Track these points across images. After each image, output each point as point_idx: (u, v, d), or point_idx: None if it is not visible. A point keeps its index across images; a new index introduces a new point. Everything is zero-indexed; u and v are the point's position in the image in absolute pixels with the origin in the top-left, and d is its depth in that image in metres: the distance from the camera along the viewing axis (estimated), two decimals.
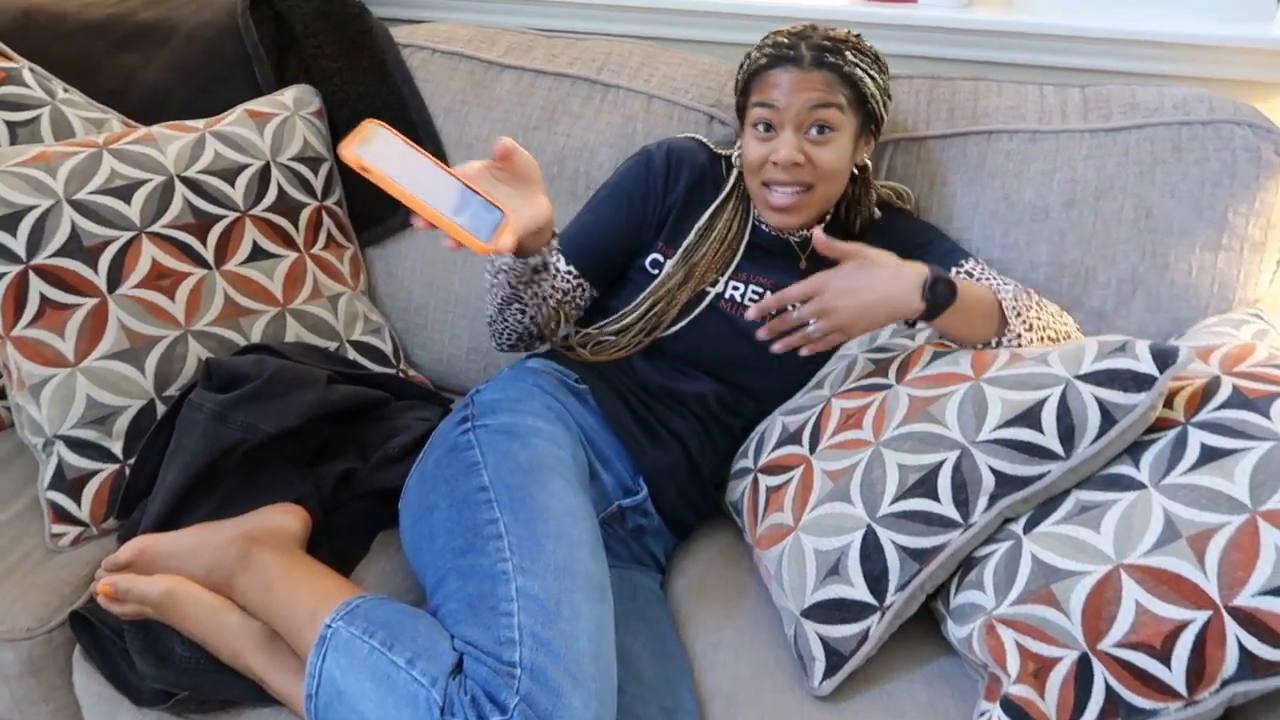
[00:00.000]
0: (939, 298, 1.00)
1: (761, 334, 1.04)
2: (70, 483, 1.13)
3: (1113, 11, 1.40)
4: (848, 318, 1.00)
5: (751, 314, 1.02)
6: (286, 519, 1.08)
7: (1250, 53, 1.36)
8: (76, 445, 1.13)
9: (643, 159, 1.22)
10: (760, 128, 1.13)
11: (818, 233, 1.00)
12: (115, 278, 1.16)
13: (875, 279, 1.00)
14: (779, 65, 1.12)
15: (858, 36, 1.15)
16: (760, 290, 1.19)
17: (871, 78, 1.14)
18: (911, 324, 1.12)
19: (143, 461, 1.15)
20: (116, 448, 1.15)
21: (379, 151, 0.82)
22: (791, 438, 1.11)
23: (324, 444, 1.19)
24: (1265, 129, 1.22)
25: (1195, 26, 1.36)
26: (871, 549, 0.96)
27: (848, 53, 1.11)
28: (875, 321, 1.01)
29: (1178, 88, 1.28)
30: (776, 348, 1.03)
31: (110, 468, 1.15)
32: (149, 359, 1.17)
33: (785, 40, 1.13)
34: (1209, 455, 0.89)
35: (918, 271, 1.00)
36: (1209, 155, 1.21)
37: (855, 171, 1.20)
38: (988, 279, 1.18)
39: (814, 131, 1.11)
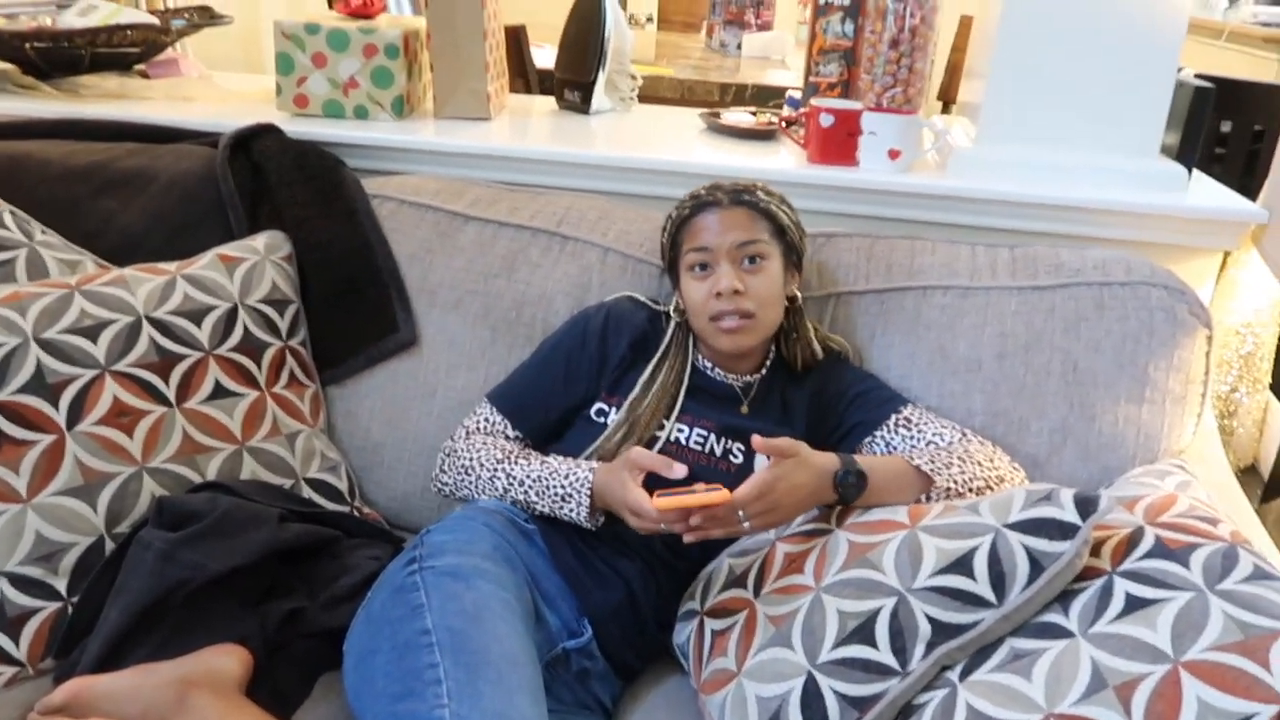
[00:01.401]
0: (849, 489, 1.08)
1: (690, 539, 1.05)
2: (10, 620, 1.12)
3: (1038, 179, 1.51)
4: (786, 514, 1.06)
5: (692, 527, 1.04)
6: (227, 660, 1.07)
7: (1164, 219, 1.46)
8: (20, 582, 1.13)
9: (581, 322, 1.30)
10: (697, 269, 1.23)
11: (755, 438, 1.04)
12: (75, 414, 1.18)
13: (809, 474, 1.06)
14: (702, 211, 1.24)
15: (764, 183, 1.28)
16: (705, 433, 1.23)
17: (784, 212, 1.26)
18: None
19: (87, 599, 1.14)
20: (61, 585, 1.15)
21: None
22: (737, 580, 1.13)
23: (273, 582, 1.19)
24: (1179, 290, 1.30)
25: (1114, 194, 1.47)
26: (812, 696, 0.96)
27: (759, 193, 1.25)
28: (800, 514, 1.10)
29: (1098, 250, 1.37)
30: (689, 539, 1.05)
31: (53, 606, 1.14)
32: (102, 495, 1.18)
33: (702, 192, 1.27)
34: (1133, 605, 0.91)
35: (830, 463, 1.07)
36: (1129, 314, 1.29)
37: (788, 303, 1.27)
38: (925, 425, 1.23)
39: (746, 263, 1.22)
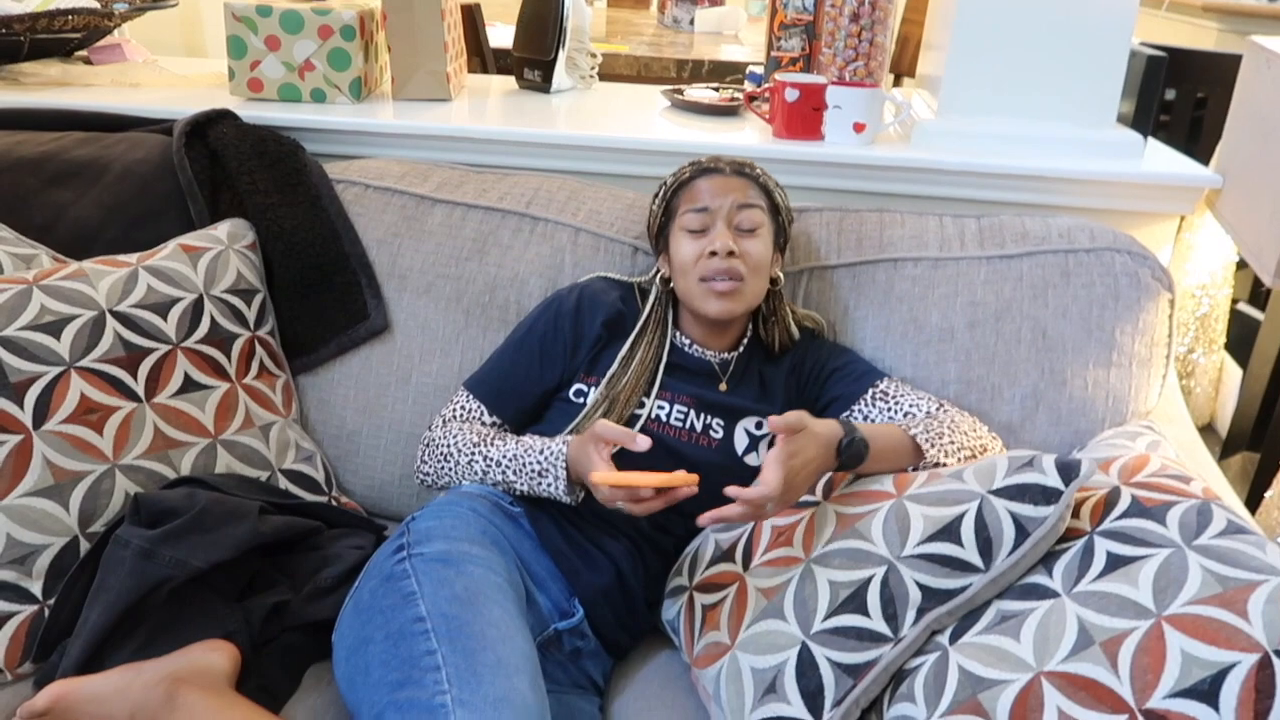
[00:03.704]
0: (852, 457, 1.08)
1: (705, 520, 1.01)
2: None
3: (999, 149, 1.53)
4: (801, 490, 1.05)
5: (722, 516, 1.01)
6: (215, 656, 1.05)
7: (1123, 186, 1.49)
8: None
9: (554, 304, 1.29)
10: (692, 230, 1.23)
11: (772, 418, 1.03)
12: (42, 413, 1.15)
13: (817, 445, 1.05)
14: (704, 175, 1.26)
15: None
16: (685, 409, 1.23)
17: (779, 194, 1.28)
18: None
19: (64, 601, 1.11)
20: (36, 588, 1.12)
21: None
22: (725, 555, 1.14)
23: (255, 576, 1.17)
24: (1142, 255, 1.34)
25: (1074, 163, 1.50)
26: (807, 666, 0.98)
27: (759, 169, 1.27)
28: (809, 487, 1.08)
29: (1062, 218, 1.40)
30: (706, 520, 1.01)
31: (29, 609, 1.11)
32: (74, 495, 1.15)
33: (703, 160, 1.28)
34: (1115, 563, 0.94)
35: (833, 431, 1.07)
36: (1094, 280, 1.32)
37: (770, 284, 1.28)
38: (902, 396, 1.25)
39: (742, 228, 1.23)
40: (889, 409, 1.24)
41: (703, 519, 1.01)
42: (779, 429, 1.03)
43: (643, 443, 1.04)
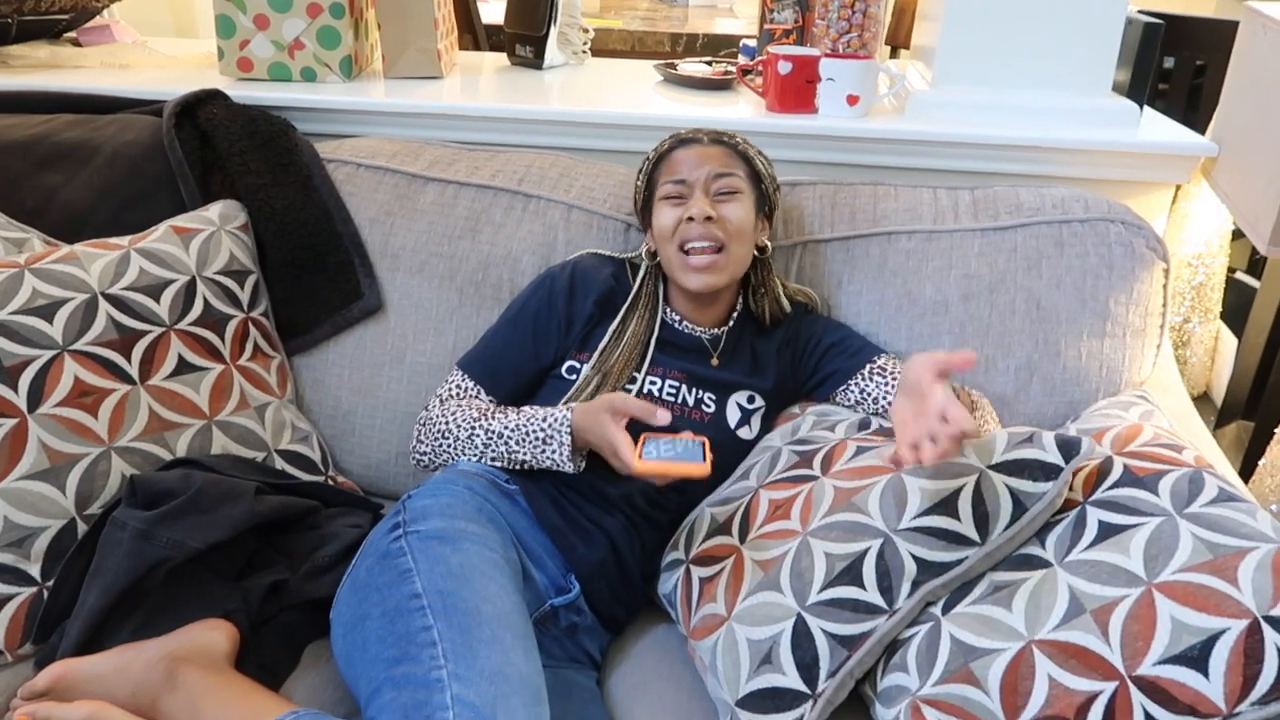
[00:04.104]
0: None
1: (903, 457, 0.93)
2: None
3: (994, 120, 1.52)
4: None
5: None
6: (213, 635, 1.06)
7: (1119, 155, 1.49)
8: None
9: (546, 281, 1.29)
10: (672, 200, 1.24)
11: (953, 355, 0.95)
12: (36, 397, 1.15)
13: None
14: (681, 146, 1.26)
15: (743, 136, 1.30)
16: (677, 384, 1.23)
17: (761, 161, 1.28)
18: None
19: (62, 583, 1.12)
20: (34, 570, 1.13)
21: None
22: (721, 528, 1.14)
23: (252, 555, 1.18)
24: (1136, 225, 1.33)
25: (1070, 132, 1.49)
26: (802, 637, 0.99)
27: (738, 137, 1.28)
28: None
29: (1056, 188, 1.39)
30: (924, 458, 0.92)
31: (27, 591, 1.12)
32: (70, 477, 1.15)
33: (683, 131, 1.29)
34: (1106, 532, 0.95)
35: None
36: (1088, 250, 1.31)
37: (757, 254, 1.27)
38: (891, 377, 1.25)
39: (720, 194, 1.23)
40: (886, 383, 1.25)
41: (902, 456, 0.92)
42: (958, 365, 0.95)
43: (663, 417, 1.06)
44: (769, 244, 1.30)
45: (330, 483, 1.38)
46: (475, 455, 1.20)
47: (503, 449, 1.18)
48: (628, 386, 1.22)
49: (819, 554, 1.01)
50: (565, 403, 1.22)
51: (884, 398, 1.24)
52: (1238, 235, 1.63)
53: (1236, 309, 1.83)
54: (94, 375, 1.19)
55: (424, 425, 1.26)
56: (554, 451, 1.14)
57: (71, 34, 1.90)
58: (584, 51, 1.97)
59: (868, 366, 1.26)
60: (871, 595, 0.98)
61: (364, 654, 0.98)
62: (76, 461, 1.16)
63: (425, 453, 1.25)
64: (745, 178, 1.25)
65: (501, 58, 2.00)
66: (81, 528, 1.16)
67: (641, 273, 1.29)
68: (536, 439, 1.15)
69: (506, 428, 1.18)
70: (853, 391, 1.26)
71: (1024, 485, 0.97)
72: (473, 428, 1.20)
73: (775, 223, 1.39)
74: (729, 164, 1.24)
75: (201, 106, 1.51)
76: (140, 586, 1.07)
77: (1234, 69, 1.61)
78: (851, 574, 0.99)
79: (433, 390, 1.40)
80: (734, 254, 1.23)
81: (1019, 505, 0.97)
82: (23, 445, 1.13)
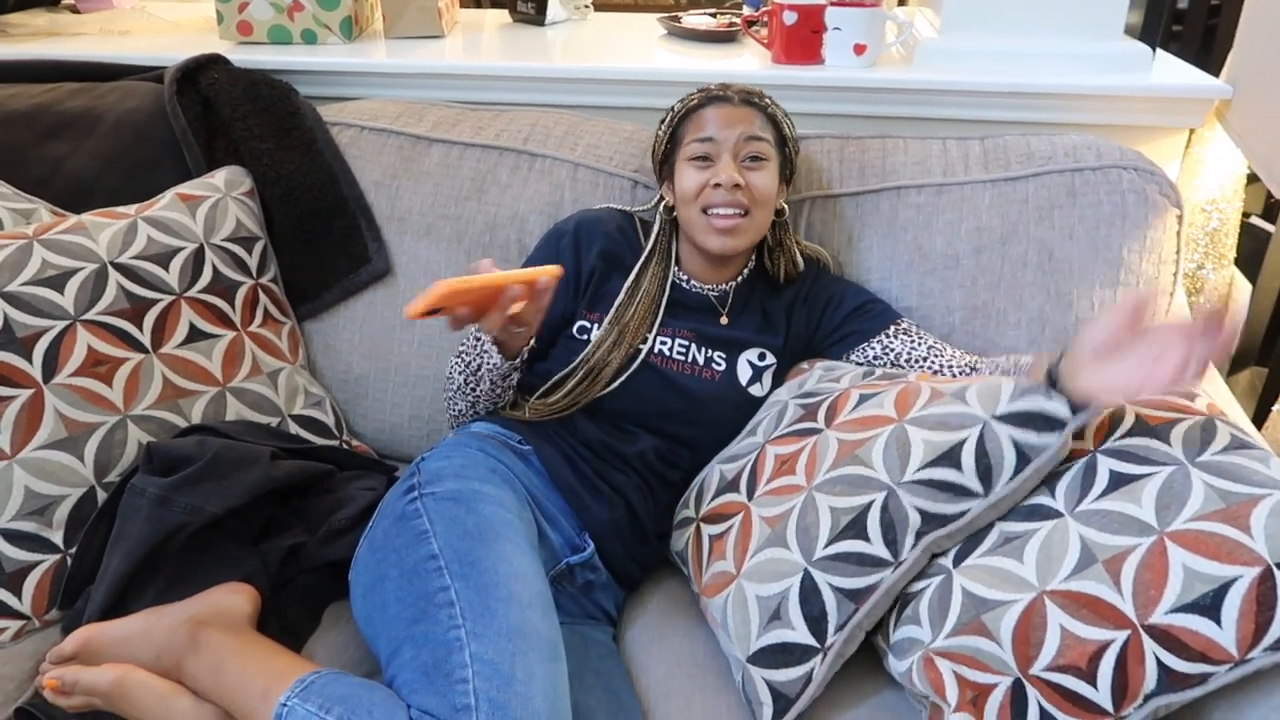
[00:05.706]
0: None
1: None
2: (10, 575, 1.12)
3: (1004, 67, 1.50)
4: None
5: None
6: (235, 598, 1.08)
7: (1131, 100, 1.46)
8: (15, 538, 1.12)
9: (553, 239, 1.29)
10: (698, 160, 1.22)
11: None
12: (51, 367, 1.16)
13: None
14: (711, 104, 1.23)
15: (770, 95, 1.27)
16: (686, 343, 1.23)
17: (787, 124, 1.26)
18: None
19: (85, 550, 1.14)
20: (57, 537, 1.14)
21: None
22: (730, 485, 1.15)
23: (269, 520, 1.20)
24: (1149, 171, 1.31)
25: (1081, 78, 1.46)
26: (810, 592, 1.00)
27: (767, 98, 1.25)
28: None
29: (1068, 136, 1.37)
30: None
31: (51, 558, 1.14)
32: (88, 446, 1.16)
33: (712, 87, 1.26)
34: (1117, 481, 0.94)
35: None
36: (1101, 199, 1.30)
37: (775, 215, 1.26)
38: (924, 334, 1.25)
39: (748, 160, 1.21)
40: (913, 342, 1.24)
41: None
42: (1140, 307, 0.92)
43: (485, 265, 1.02)
44: (786, 206, 1.29)
45: (345, 446, 1.39)
46: (468, 399, 1.23)
47: (471, 379, 1.21)
48: (640, 346, 1.22)
49: (824, 509, 1.01)
50: (579, 363, 1.22)
51: (908, 353, 1.23)
52: (1252, 179, 1.61)
53: (1252, 254, 1.80)
54: (107, 345, 1.20)
55: (446, 384, 1.26)
56: (484, 351, 1.17)
57: (69, 0, 1.89)
58: (587, 6, 1.95)
59: (892, 327, 1.25)
60: (877, 548, 0.99)
61: (383, 614, 1.00)
62: (94, 430, 1.17)
63: (450, 408, 1.27)
64: (773, 143, 1.23)
65: (503, 14, 1.98)
66: (101, 495, 1.17)
67: (656, 227, 1.28)
68: (472, 348, 1.18)
69: (460, 354, 1.21)
70: (873, 348, 1.25)
71: (1029, 438, 0.97)
72: (451, 365, 1.23)
73: None
74: (759, 128, 1.22)
75: (202, 72, 1.50)
76: (161, 551, 1.09)
77: (1249, 8, 1.57)
78: (856, 528, 0.99)
79: (445, 352, 1.40)
80: (757, 220, 1.22)
81: (1023, 457, 0.97)
82: (40, 415, 1.14)
